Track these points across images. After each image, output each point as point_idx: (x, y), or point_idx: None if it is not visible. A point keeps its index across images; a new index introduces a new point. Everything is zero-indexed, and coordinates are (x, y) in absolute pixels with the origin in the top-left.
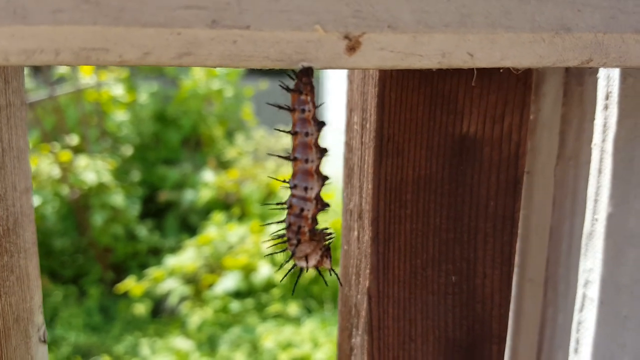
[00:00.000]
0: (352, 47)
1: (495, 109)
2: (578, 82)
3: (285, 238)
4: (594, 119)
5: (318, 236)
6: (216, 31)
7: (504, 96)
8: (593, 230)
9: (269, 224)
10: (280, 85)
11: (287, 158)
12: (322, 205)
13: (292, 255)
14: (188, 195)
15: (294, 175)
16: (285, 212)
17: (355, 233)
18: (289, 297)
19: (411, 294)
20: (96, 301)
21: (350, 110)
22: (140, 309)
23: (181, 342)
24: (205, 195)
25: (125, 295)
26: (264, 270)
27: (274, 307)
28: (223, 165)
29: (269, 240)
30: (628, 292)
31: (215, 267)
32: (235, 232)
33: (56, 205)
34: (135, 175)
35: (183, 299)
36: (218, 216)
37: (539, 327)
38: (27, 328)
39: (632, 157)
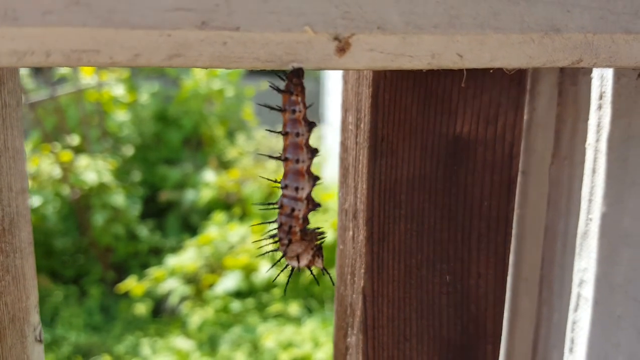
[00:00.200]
0: (342, 48)
1: (489, 110)
2: (572, 82)
3: (277, 238)
4: (588, 118)
5: (309, 236)
6: (206, 32)
7: (497, 97)
8: (587, 230)
9: (260, 224)
10: (271, 86)
11: (278, 158)
12: (313, 205)
13: (284, 255)
14: (189, 195)
15: (285, 175)
16: (277, 212)
17: (351, 233)
18: (289, 297)
19: (406, 293)
20: (97, 301)
21: (345, 111)
22: (141, 308)
23: (182, 342)
24: (206, 195)
25: (126, 295)
26: (264, 270)
27: (275, 307)
28: (224, 165)
29: (260, 240)
30: (622, 292)
31: (216, 267)
32: (236, 232)
33: (57, 205)
34: (136, 175)
35: (184, 298)
36: (219, 216)
37: (534, 327)
38: (23, 328)
39: (625, 156)
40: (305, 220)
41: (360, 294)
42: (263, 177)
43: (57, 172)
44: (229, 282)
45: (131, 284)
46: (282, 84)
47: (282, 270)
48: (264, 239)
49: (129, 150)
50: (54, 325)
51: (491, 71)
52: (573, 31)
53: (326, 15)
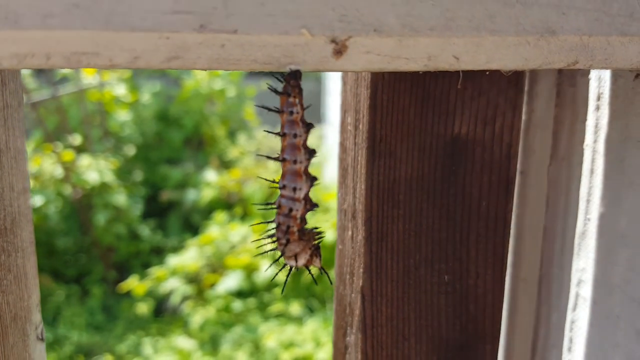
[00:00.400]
0: (339, 50)
1: (486, 111)
2: (570, 83)
3: (275, 238)
4: (586, 119)
5: (307, 236)
6: (204, 35)
7: (495, 98)
8: (585, 230)
9: (259, 223)
10: (269, 88)
11: (276, 159)
12: (310, 206)
13: (282, 255)
14: (190, 195)
15: (283, 175)
16: (275, 212)
17: (349, 233)
18: (291, 297)
19: (404, 293)
20: (99, 300)
21: (344, 112)
22: (143, 308)
23: (183, 342)
24: (207, 194)
25: (128, 294)
26: (265, 270)
27: (276, 307)
28: (225, 165)
29: (259, 240)
30: (620, 292)
31: (218, 266)
32: (238, 231)
33: (59, 205)
34: (138, 174)
35: (185, 298)
36: (220, 216)
37: (533, 326)
38: (25, 326)
39: (622, 157)
40: (303, 220)
41: (359, 294)
42: (261, 178)
43: (59, 171)
44: (231, 281)
45: (133, 284)
46: (280, 86)
47: (280, 270)
48: (263, 238)
49: (130, 150)
50: (56, 325)
51: (487, 73)
52: (568, 33)
53: (323, 18)
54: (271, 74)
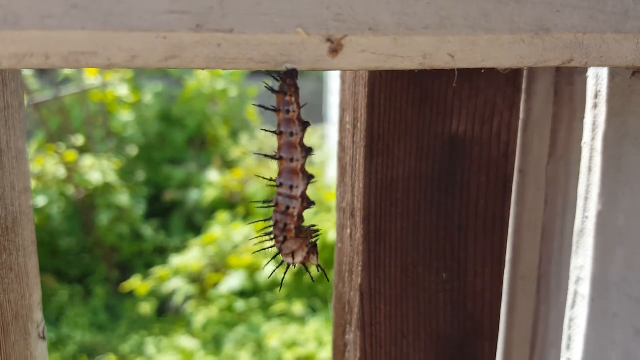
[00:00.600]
0: (335, 49)
1: (484, 109)
2: (568, 81)
3: (272, 235)
4: (584, 117)
5: (304, 233)
6: (200, 35)
7: (492, 97)
8: (584, 228)
9: (257, 221)
10: (266, 87)
11: (273, 157)
12: (307, 204)
13: (279, 252)
14: (193, 195)
15: (280, 174)
16: (272, 210)
17: (348, 231)
18: (293, 297)
19: (403, 291)
20: (102, 300)
21: (342, 110)
22: (146, 308)
23: (186, 341)
24: (210, 194)
25: (131, 294)
26: (267, 269)
27: (279, 306)
28: (228, 164)
29: (256, 238)
30: (617, 290)
31: (220, 266)
32: (240, 231)
33: (62, 205)
34: (141, 175)
35: (188, 298)
36: (223, 215)
37: (532, 324)
38: (27, 325)
39: (620, 155)
40: (300, 218)
41: (357, 292)
42: (259, 176)
43: (61, 172)
44: (233, 281)
45: (136, 284)
46: (277, 85)
47: (277, 267)
48: (261, 236)
49: (133, 150)
50: (59, 325)
51: (482, 71)
52: (563, 31)
53: (318, 17)
54: (269, 74)
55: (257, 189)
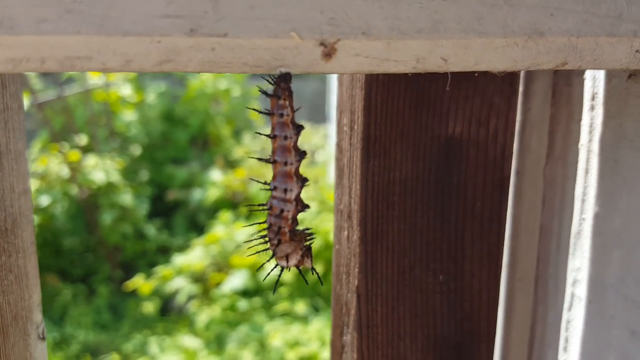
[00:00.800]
0: (328, 53)
1: (480, 111)
2: (566, 83)
3: (267, 238)
4: (581, 119)
5: (299, 236)
6: (194, 39)
7: (489, 98)
8: (581, 230)
9: (251, 225)
10: (260, 90)
11: (267, 161)
12: (302, 207)
13: (274, 255)
14: (196, 195)
15: (274, 177)
16: (267, 213)
17: (345, 233)
18: (296, 296)
19: (399, 292)
20: (105, 299)
21: (340, 112)
22: (149, 307)
23: (189, 341)
24: (212, 194)
25: (134, 293)
26: (266, 269)
27: (282, 306)
28: (230, 164)
29: (251, 241)
30: (614, 291)
31: (223, 265)
32: (243, 230)
33: (65, 205)
34: (144, 174)
35: (191, 297)
36: (225, 215)
37: (530, 326)
38: (26, 326)
39: (617, 157)
40: (295, 221)
41: (354, 293)
42: (253, 179)
43: (65, 171)
44: (236, 280)
45: (139, 283)
46: (271, 89)
47: (272, 270)
48: (255, 239)
49: (136, 150)
50: (62, 324)
51: (476, 74)
52: (557, 34)
53: (312, 22)
54: (263, 77)
55: (260, 189)
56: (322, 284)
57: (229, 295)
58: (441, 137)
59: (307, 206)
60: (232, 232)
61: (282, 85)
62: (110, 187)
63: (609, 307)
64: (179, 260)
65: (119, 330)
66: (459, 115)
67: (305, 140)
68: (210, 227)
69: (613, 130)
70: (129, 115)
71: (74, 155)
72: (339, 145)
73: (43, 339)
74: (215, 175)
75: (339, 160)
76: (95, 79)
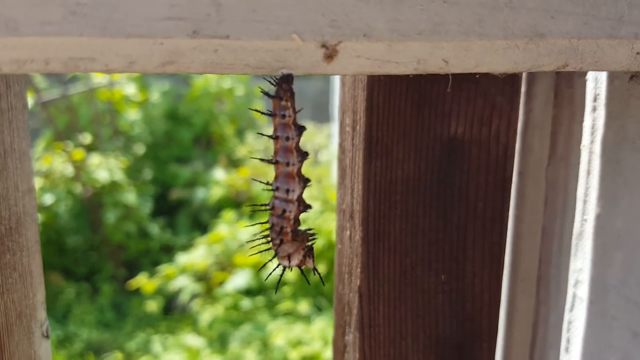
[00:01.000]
0: (330, 55)
1: (482, 112)
2: (568, 84)
3: (269, 238)
4: (583, 120)
5: (301, 236)
6: (197, 41)
7: (491, 99)
8: (582, 231)
9: (254, 224)
10: (261, 91)
11: (269, 161)
12: (304, 207)
13: (276, 255)
14: (199, 194)
15: (276, 177)
16: (269, 213)
17: (348, 232)
18: (299, 295)
19: (401, 292)
20: (109, 298)
21: (342, 113)
22: (152, 306)
23: (192, 339)
24: (216, 193)
25: (138, 292)
26: (269, 268)
27: (285, 305)
28: (234, 163)
29: (253, 241)
30: (616, 293)
31: (226, 264)
32: (246, 230)
33: (69, 203)
34: (148, 173)
35: (194, 296)
36: (229, 214)
37: (532, 326)
38: (30, 324)
39: (619, 158)
40: (297, 221)
41: (356, 293)
42: (255, 180)
43: (69, 170)
44: (239, 279)
45: (142, 281)
46: (273, 90)
47: (274, 270)
48: (257, 239)
49: (140, 149)
50: (66, 322)
51: (477, 76)
52: (557, 37)
53: (313, 24)
54: (265, 78)
55: (262, 189)
56: (324, 284)
57: (232, 294)
58: (443, 137)
59: (309, 206)
60: (235, 231)
61: (284, 86)
62: (114, 186)
63: (610, 308)
64: (183, 259)
65: (122, 329)
66: (461, 116)
67: (309, 140)
68: (213, 226)
69: (615, 132)
70: (132, 114)
71: (78, 154)
72: (341, 146)
73: (47, 337)
74: (219, 174)
75: (341, 160)
76: (99, 78)
